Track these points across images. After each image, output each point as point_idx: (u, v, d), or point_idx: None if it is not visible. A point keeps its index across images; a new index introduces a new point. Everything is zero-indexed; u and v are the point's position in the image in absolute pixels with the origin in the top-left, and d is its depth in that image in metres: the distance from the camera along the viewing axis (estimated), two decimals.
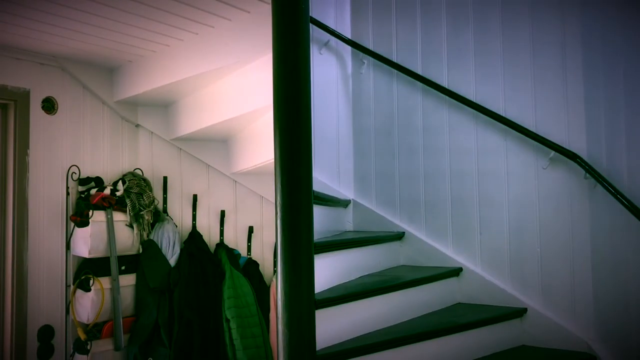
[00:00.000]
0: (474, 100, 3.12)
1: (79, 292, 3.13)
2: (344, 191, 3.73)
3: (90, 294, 3.08)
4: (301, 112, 1.85)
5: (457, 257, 3.19)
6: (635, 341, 2.66)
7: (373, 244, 3.25)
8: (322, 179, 3.69)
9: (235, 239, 3.59)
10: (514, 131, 2.99)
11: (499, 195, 3.07)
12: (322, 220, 3.13)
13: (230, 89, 3.04)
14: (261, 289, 3.41)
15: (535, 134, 2.94)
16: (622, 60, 2.76)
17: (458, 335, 2.70)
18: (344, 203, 3.63)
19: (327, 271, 2.72)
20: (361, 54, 3.61)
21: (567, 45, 2.89)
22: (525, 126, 2.97)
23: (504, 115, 3.03)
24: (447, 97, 3.23)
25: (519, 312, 2.93)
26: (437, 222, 3.30)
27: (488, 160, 3.12)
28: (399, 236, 3.40)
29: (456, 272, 3.15)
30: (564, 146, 2.86)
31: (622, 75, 2.77)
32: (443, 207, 3.27)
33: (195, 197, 3.55)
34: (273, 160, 2.19)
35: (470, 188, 3.17)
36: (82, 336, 3.07)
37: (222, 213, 3.57)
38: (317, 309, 2.21)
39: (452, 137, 3.24)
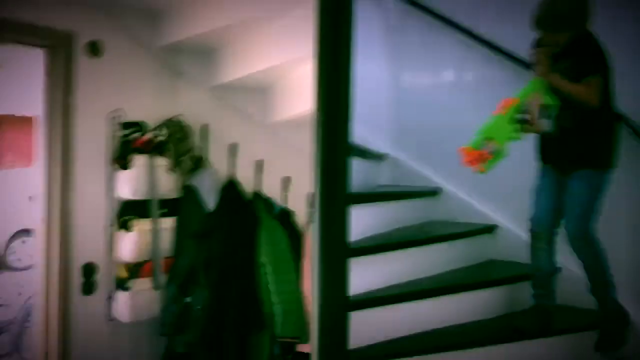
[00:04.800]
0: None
1: (121, 232, 3.24)
2: (382, 144, 3.72)
3: (132, 235, 3.19)
4: (341, 60, 1.84)
5: (493, 215, 3.19)
6: None
7: (409, 198, 3.26)
8: (359, 131, 3.67)
9: (271, 189, 3.64)
10: None
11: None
12: (358, 173, 3.15)
13: (272, 36, 3.03)
14: (295, 237, 3.47)
15: None
16: None
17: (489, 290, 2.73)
18: (380, 156, 3.64)
19: (363, 221, 2.76)
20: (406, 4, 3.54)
21: None
22: None
23: None
24: (494, 53, 3.14)
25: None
26: (474, 178, 3.27)
27: None
28: (436, 192, 3.40)
29: (490, 229, 3.15)
30: None
31: None
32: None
33: (233, 146, 3.59)
34: (311, 111, 2.20)
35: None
36: (123, 274, 3.20)
37: (260, 163, 3.60)
38: (351, 256, 2.26)
39: (493, 94, 3.19)
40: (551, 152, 2.53)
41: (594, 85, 2.33)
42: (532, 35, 2.88)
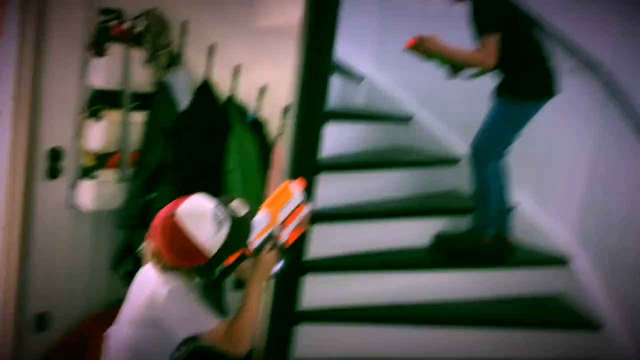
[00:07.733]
0: None
1: (91, 120, 3.20)
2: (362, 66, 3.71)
3: (101, 124, 3.16)
4: None
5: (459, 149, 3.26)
6: None
7: (383, 120, 3.30)
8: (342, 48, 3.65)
9: (246, 96, 3.60)
10: None
11: None
12: (336, 90, 3.15)
13: None
14: (265, 147, 3.49)
15: None
16: None
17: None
18: (359, 78, 3.64)
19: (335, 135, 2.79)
20: None
21: None
22: None
23: None
24: None
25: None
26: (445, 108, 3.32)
27: None
28: (408, 119, 3.44)
29: (456, 161, 3.24)
30: None
31: None
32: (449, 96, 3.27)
33: (212, 47, 3.51)
34: (299, 19, 2.16)
35: None
36: (90, 163, 3.19)
37: (237, 67, 3.55)
38: (321, 172, 2.31)
39: None
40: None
41: (488, 44, 2.32)
42: None
